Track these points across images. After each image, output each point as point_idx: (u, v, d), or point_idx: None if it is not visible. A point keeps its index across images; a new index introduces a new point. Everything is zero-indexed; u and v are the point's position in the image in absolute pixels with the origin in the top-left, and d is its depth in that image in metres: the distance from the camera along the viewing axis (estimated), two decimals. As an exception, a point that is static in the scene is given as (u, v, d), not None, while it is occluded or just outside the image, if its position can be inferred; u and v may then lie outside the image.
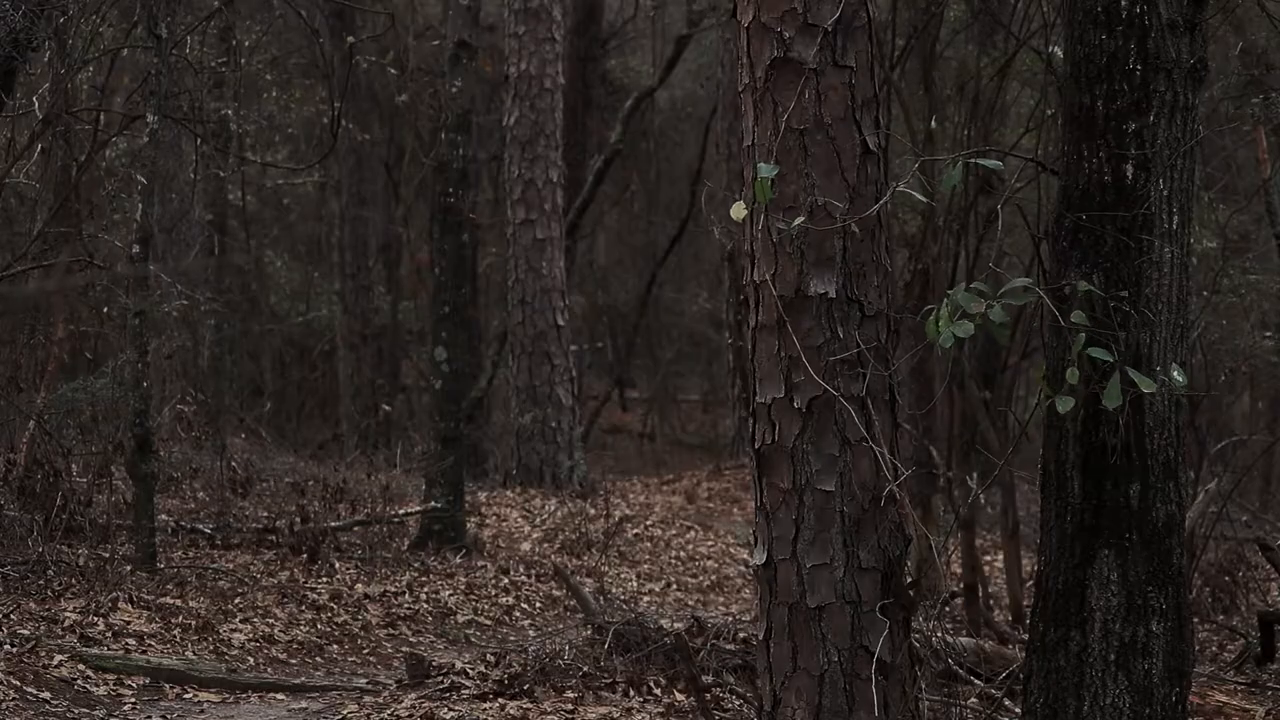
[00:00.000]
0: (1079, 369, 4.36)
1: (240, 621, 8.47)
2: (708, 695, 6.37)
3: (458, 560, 11.10)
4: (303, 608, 9.05)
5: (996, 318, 4.33)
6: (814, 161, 4.57)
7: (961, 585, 9.22)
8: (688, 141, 25.45)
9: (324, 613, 9.06)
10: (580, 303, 22.63)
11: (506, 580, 10.68)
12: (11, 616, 7.50)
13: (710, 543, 13.49)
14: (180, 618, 8.18)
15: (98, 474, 10.21)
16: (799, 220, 4.50)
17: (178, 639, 7.88)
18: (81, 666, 7.01)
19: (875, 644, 4.56)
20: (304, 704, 6.91)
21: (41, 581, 8.47)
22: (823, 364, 4.54)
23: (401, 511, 12.04)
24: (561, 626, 9.60)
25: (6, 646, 6.99)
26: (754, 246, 4.67)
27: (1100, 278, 4.64)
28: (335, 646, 8.59)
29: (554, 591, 10.56)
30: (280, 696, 7.11)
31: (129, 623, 7.91)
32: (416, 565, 10.72)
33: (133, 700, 6.78)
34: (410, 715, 6.35)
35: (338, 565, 10.37)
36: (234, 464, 12.65)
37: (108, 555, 9.05)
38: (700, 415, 26.16)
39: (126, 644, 7.60)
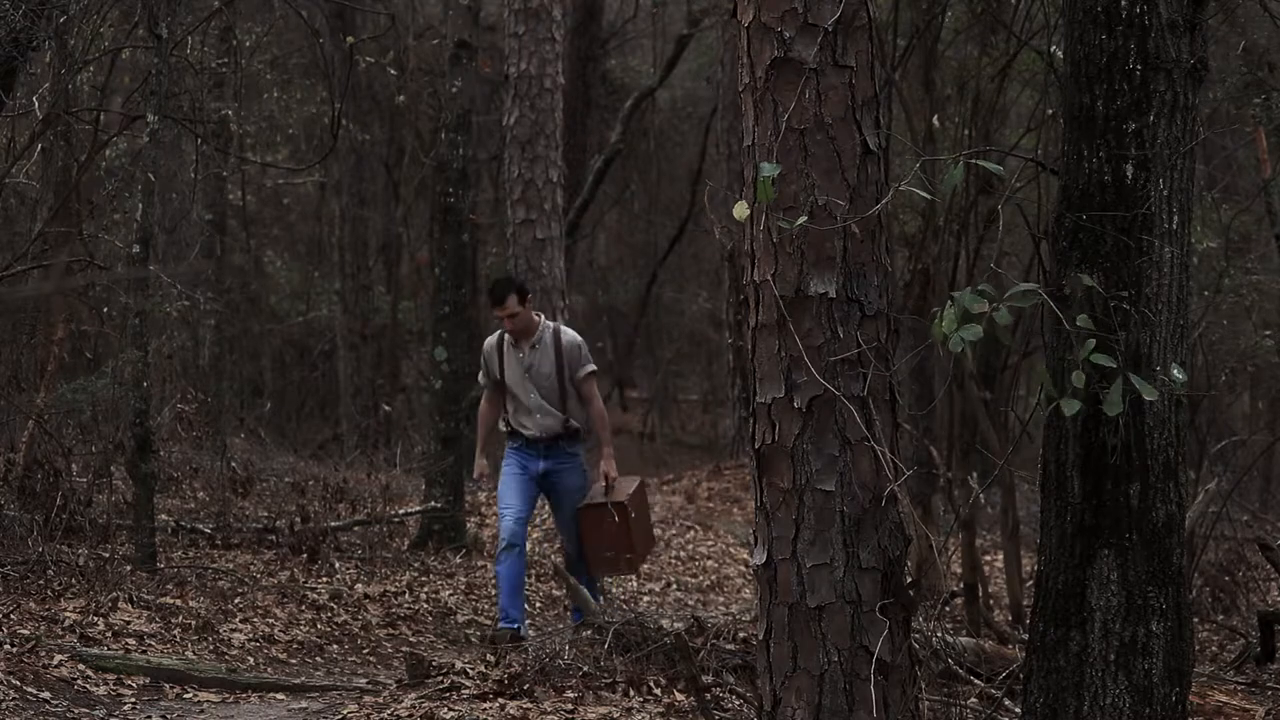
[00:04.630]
0: (1083, 370, 4.35)
1: (240, 621, 8.47)
2: (708, 695, 6.37)
3: (458, 560, 11.10)
4: (303, 608, 9.05)
5: (1003, 320, 4.33)
6: (814, 161, 4.57)
7: (961, 585, 9.22)
8: (688, 141, 25.48)
9: (324, 613, 9.06)
10: (580, 303, 22.64)
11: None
12: (11, 616, 7.50)
13: (710, 543, 13.49)
14: (180, 618, 8.18)
15: (98, 474, 10.21)
16: (801, 220, 4.49)
17: (178, 639, 7.88)
18: (81, 666, 7.01)
19: (875, 644, 4.56)
20: (304, 704, 6.91)
21: (41, 581, 8.47)
22: (823, 364, 4.54)
23: (401, 511, 12.04)
24: (561, 626, 9.60)
25: (6, 646, 6.98)
26: (754, 246, 4.67)
27: (1100, 278, 4.64)
28: (335, 646, 8.59)
29: (554, 591, 10.56)
30: (280, 696, 7.11)
31: (129, 623, 7.91)
32: (416, 565, 10.72)
33: (133, 700, 6.78)
34: (410, 715, 6.34)
35: (338, 565, 10.37)
36: (234, 464, 12.65)
37: (108, 555, 9.05)
38: (700, 415, 26.19)
39: (126, 644, 7.60)
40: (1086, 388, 4.42)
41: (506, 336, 8.51)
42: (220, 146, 15.12)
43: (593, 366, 8.58)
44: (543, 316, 8.65)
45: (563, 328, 8.61)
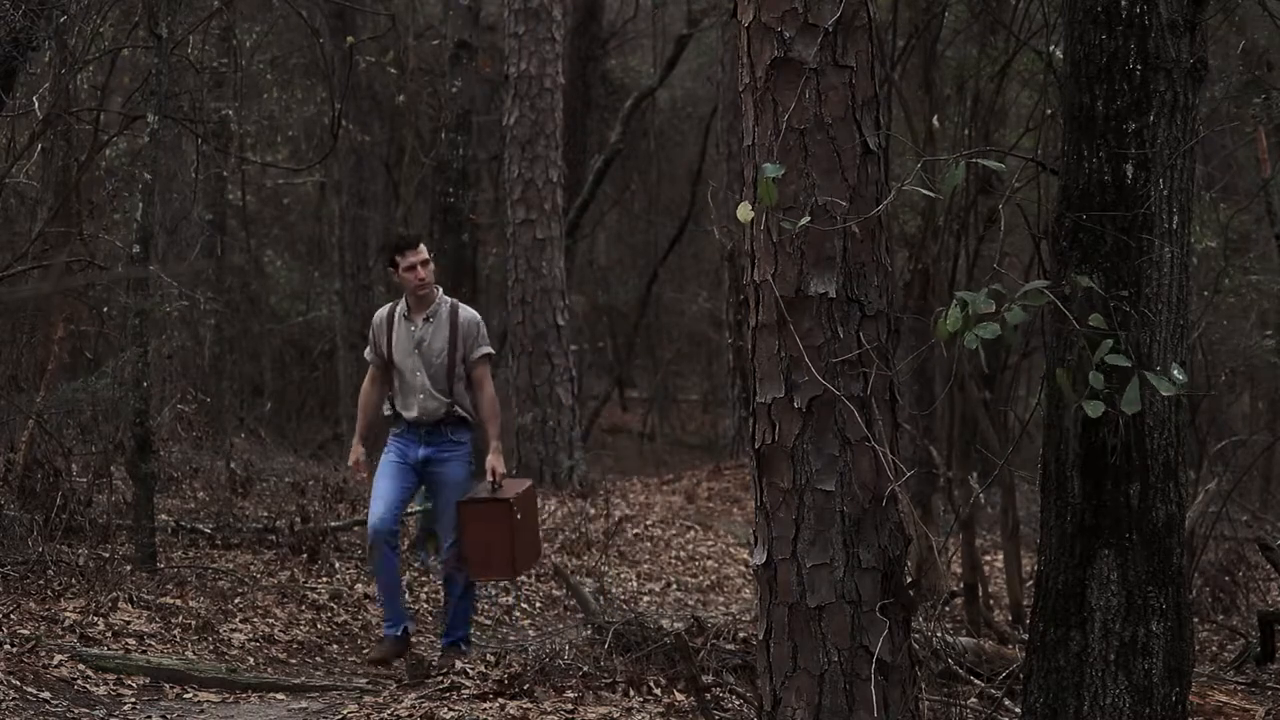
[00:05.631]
0: (1099, 371, 4.35)
1: (240, 621, 8.47)
2: (708, 695, 6.37)
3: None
4: (303, 608, 9.05)
5: (1015, 319, 4.33)
6: (814, 161, 4.57)
7: (961, 585, 9.22)
8: (688, 141, 25.48)
9: (324, 613, 9.06)
10: (580, 303, 22.64)
11: (506, 580, 10.68)
12: (11, 616, 7.50)
13: (710, 543, 13.49)
14: (180, 618, 8.18)
15: (98, 474, 10.21)
16: (804, 221, 4.50)
17: (178, 639, 7.88)
18: (81, 666, 7.01)
19: (875, 644, 4.56)
20: (304, 704, 6.91)
21: (41, 581, 8.47)
22: (823, 364, 4.54)
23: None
24: (561, 626, 9.61)
25: (6, 646, 6.98)
26: (754, 246, 4.67)
27: (1100, 278, 4.65)
28: (335, 646, 8.59)
29: (554, 591, 10.56)
30: (280, 696, 7.11)
31: (129, 623, 7.91)
32: (416, 565, 10.72)
33: (133, 700, 6.78)
34: (410, 715, 6.34)
35: (338, 565, 10.37)
36: (234, 464, 12.64)
37: (108, 555, 9.05)
38: (700, 415, 26.19)
39: (126, 644, 7.60)
40: (1087, 388, 4.42)
41: (399, 309, 7.81)
42: (220, 146, 15.12)
43: (489, 349, 7.85)
44: (441, 290, 7.92)
45: (461, 304, 7.89)
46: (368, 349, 8.00)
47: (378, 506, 7.71)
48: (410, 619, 7.91)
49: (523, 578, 10.81)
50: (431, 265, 7.73)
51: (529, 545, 7.98)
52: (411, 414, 7.78)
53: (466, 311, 7.84)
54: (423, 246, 7.75)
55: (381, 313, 7.94)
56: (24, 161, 10.37)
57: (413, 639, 7.86)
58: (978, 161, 4.96)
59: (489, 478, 7.79)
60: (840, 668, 4.58)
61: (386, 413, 7.95)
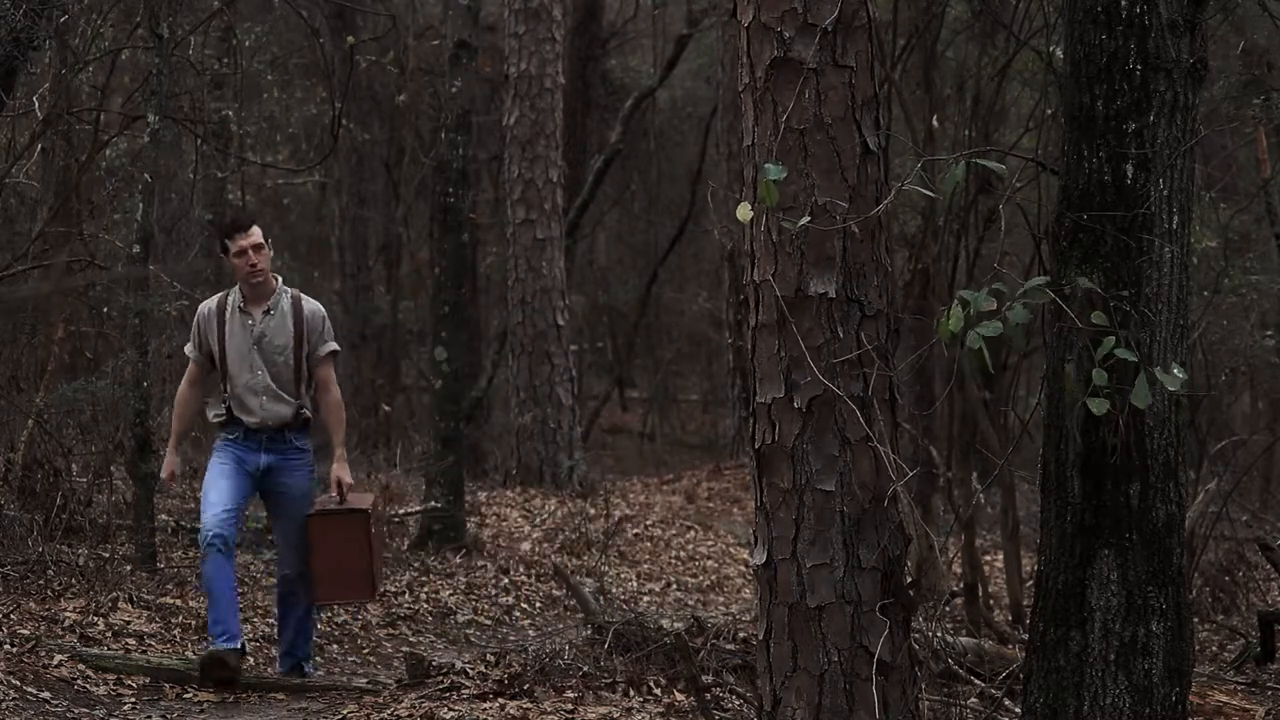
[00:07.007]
0: (1101, 368, 4.35)
1: (240, 621, 8.46)
2: (708, 695, 6.37)
3: (458, 560, 11.10)
4: (303, 608, 9.04)
5: (1017, 318, 4.32)
6: (814, 161, 4.57)
7: (961, 585, 9.22)
8: (688, 141, 25.47)
9: (323, 612, 9.05)
10: (580, 303, 22.64)
11: (506, 580, 10.68)
12: (11, 616, 7.50)
13: (710, 543, 13.49)
14: (180, 618, 8.18)
15: (98, 474, 10.20)
16: (803, 221, 4.49)
17: (178, 639, 7.88)
18: (81, 666, 7.01)
19: (875, 644, 4.56)
20: (304, 704, 6.91)
21: (41, 581, 8.47)
22: (823, 364, 4.54)
23: (401, 511, 12.04)
24: (561, 626, 9.60)
25: (6, 646, 6.98)
26: (754, 246, 4.67)
27: (1100, 278, 4.64)
28: (335, 646, 8.59)
29: (554, 591, 10.56)
30: (280, 696, 7.10)
31: (129, 623, 7.91)
32: (416, 565, 10.72)
33: (133, 700, 6.78)
34: (410, 715, 6.34)
35: (338, 565, 10.36)
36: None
37: (108, 555, 9.05)
38: (700, 415, 26.19)
39: (126, 644, 7.60)
40: (1088, 386, 4.42)
41: (232, 300, 6.98)
42: (220, 146, 15.12)
43: (335, 345, 7.04)
44: (280, 279, 7.07)
45: (304, 295, 7.08)
46: (188, 345, 7.13)
47: (214, 509, 6.87)
48: (239, 635, 7.07)
49: (523, 577, 10.82)
50: (267, 251, 6.95)
51: (380, 561, 7.30)
52: (253, 419, 6.95)
53: (310, 304, 7.07)
54: (256, 230, 6.94)
55: (209, 304, 7.06)
56: (24, 161, 10.37)
57: (247, 656, 7.25)
58: (978, 162, 4.95)
59: (333, 490, 7.07)
60: (840, 668, 4.58)
61: (215, 417, 7.06)
